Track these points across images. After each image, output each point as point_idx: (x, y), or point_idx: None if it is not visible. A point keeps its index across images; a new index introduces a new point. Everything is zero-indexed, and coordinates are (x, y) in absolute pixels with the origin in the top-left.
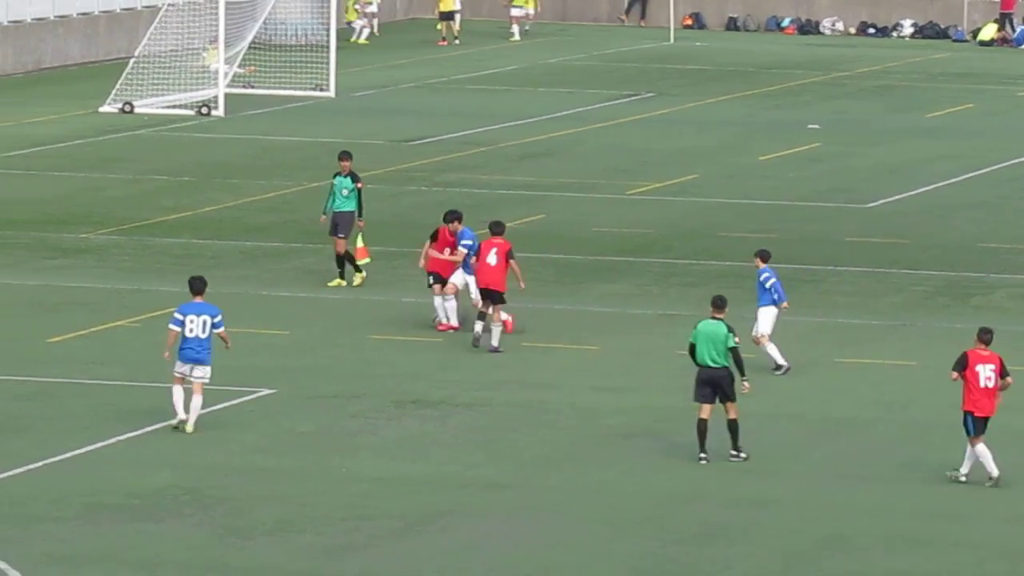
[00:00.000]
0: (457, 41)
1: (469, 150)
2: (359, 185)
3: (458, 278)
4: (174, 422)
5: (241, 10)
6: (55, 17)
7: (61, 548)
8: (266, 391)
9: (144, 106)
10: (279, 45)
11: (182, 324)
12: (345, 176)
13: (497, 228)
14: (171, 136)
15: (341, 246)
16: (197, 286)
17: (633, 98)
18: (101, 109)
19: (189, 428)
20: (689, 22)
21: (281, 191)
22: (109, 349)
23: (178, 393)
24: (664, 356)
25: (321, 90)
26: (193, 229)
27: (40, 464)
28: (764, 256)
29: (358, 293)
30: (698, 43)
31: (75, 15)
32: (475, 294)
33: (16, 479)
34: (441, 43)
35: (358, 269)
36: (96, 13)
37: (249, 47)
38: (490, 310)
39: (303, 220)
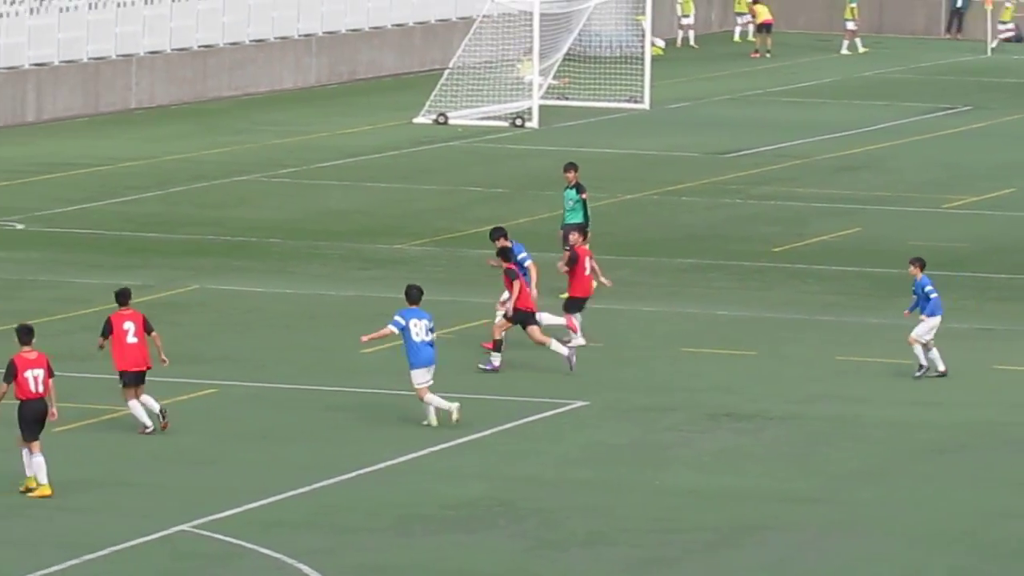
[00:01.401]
0: (768, 55)
1: (784, 163)
2: (583, 196)
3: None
4: (435, 423)
5: (556, 22)
6: (370, 28)
7: (374, 559)
8: (580, 403)
9: (458, 117)
10: (593, 57)
11: (406, 328)
12: (571, 187)
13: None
14: (485, 147)
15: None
16: (414, 295)
17: (950, 111)
18: (415, 120)
19: (456, 416)
20: (1008, 35)
21: (595, 203)
22: None
23: (433, 399)
24: (979, 371)
25: (635, 102)
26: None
27: (354, 475)
28: (922, 264)
29: (671, 306)
30: (1016, 56)
31: (390, 26)
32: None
33: (330, 489)
34: (754, 55)
35: None
36: (411, 24)
37: (564, 59)
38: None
39: (616, 232)
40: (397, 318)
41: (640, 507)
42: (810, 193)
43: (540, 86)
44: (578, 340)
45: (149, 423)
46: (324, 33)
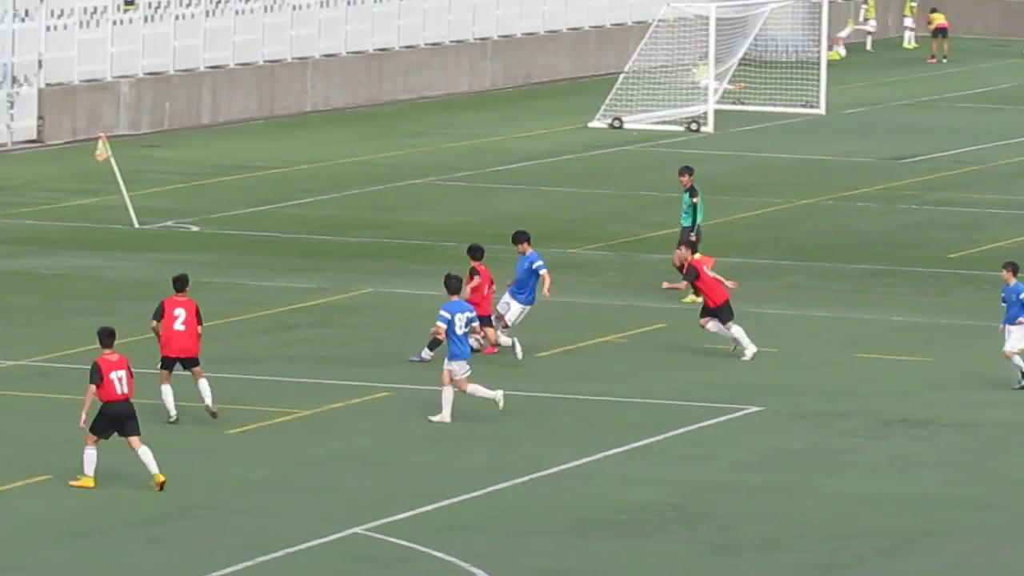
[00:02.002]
0: (945, 60)
1: (960, 168)
2: (694, 200)
3: (515, 309)
4: (448, 419)
5: (732, 26)
6: (545, 32)
7: (546, 563)
8: (754, 408)
9: (633, 121)
10: (769, 61)
11: (450, 322)
12: (685, 191)
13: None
14: (660, 152)
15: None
16: (454, 285)
17: None
18: (590, 124)
19: (501, 404)
20: None
21: (770, 208)
22: (595, 364)
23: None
24: None
25: (811, 107)
26: None
27: (528, 478)
28: (1015, 269)
29: (845, 311)
30: None
31: (565, 30)
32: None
33: (505, 492)
34: (930, 60)
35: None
36: (586, 28)
37: (739, 63)
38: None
39: (791, 237)
40: (443, 313)
41: (813, 513)
42: (986, 199)
43: (716, 90)
44: (751, 349)
45: (174, 412)
46: (499, 37)
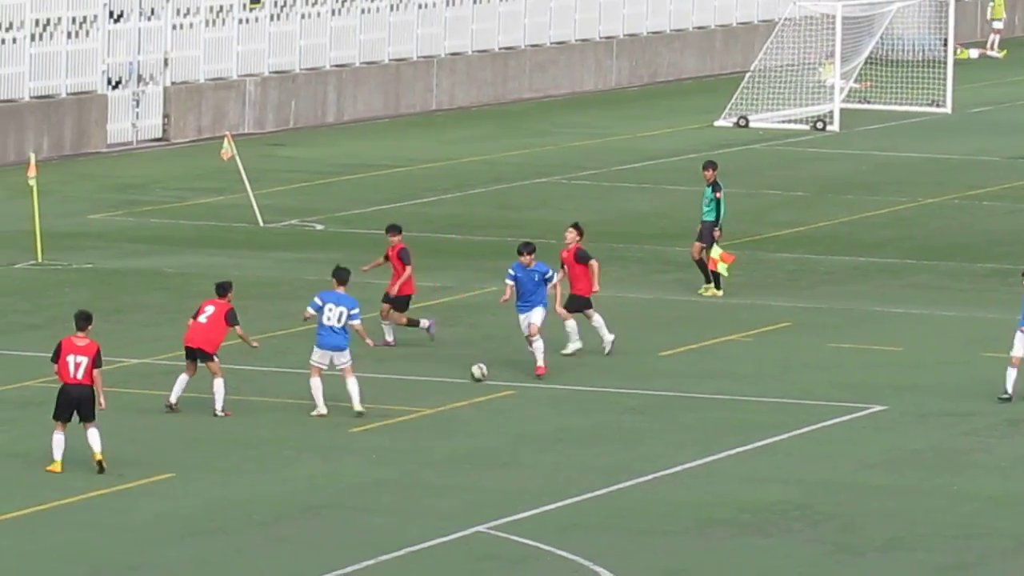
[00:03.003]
0: None
1: None
2: (718, 195)
3: (538, 316)
4: (314, 413)
5: (858, 25)
6: (671, 31)
7: (670, 562)
8: (878, 407)
9: (759, 120)
10: (895, 60)
11: (321, 309)
12: (708, 185)
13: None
14: (785, 151)
15: (696, 250)
16: (342, 276)
17: None
18: (716, 123)
19: (358, 408)
20: None
21: (896, 207)
22: (720, 363)
23: (318, 385)
24: None
25: (937, 106)
26: (806, 244)
27: (651, 477)
28: None
29: (971, 311)
30: None
31: (691, 29)
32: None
33: (628, 491)
34: None
35: (707, 280)
36: (712, 27)
37: (865, 62)
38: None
39: (916, 236)
40: (316, 300)
41: (938, 512)
42: None
43: (842, 90)
44: (574, 344)
45: (174, 400)
46: (625, 35)
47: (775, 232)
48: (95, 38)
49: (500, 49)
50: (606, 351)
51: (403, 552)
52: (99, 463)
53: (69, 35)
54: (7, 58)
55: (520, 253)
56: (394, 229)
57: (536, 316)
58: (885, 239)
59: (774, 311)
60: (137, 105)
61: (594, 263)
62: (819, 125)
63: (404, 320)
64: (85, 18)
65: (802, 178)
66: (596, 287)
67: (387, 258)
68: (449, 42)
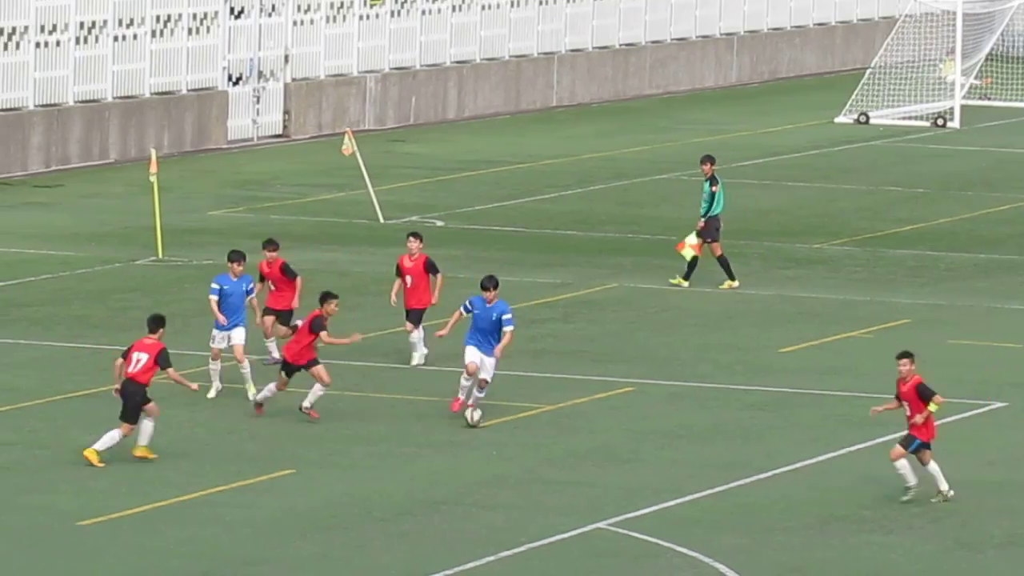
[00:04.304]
0: None
1: None
2: (714, 189)
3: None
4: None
5: (979, 21)
6: (791, 27)
7: (791, 558)
8: (998, 404)
9: (879, 117)
10: (1016, 57)
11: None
12: (706, 180)
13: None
14: (906, 147)
15: (716, 248)
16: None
17: None
18: (836, 119)
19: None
20: None
21: (1016, 204)
22: (840, 360)
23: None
24: None
25: None
26: (927, 241)
27: (771, 473)
28: None
29: None
30: None
31: (811, 25)
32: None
33: (748, 488)
34: None
35: (730, 276)
36: (833, 24)
37: (986, 58)
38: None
39: None
40: (215, 285)
41: None
42: None
43: (962, 86)
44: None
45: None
46: (746, 32)
47: (896, 228)
48: (216, 34)
49: (620, 45)
50: (413, 363)
51: (523, 548)
52: (140, 456)
53: (190, 31)
54: (128, 55)
55: (484, 288)
56: (271, 244)
57: (488, 363)
58: (1005, 235)
59: (894, 308)
60: (258, 101)
61: (440, 276)
62: (940, 122)
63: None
64: (206, 14)
65: (923, 174)
66: (435, 299)
67: (263, 276)
68: (570, 38)
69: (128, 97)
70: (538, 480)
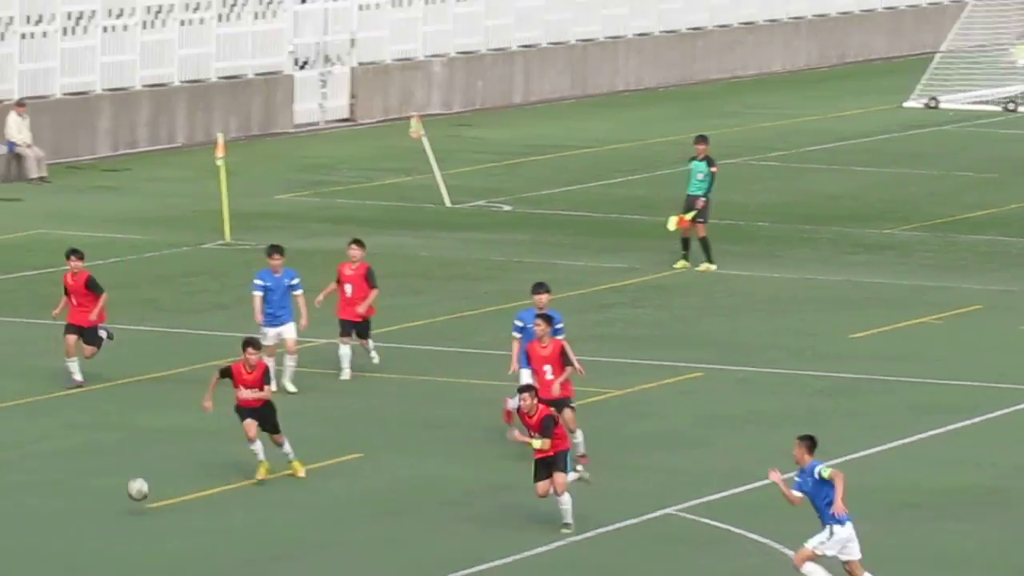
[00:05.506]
0: None
1: None
2: (714, 170)
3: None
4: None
5: None
6: (860, 11)
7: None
8: None
9: (949, 101)
10: None
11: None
12: (700, 160)
13: None
14: (976, 132)
15: (701, 230)
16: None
17: None
18: (905, 104)
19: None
20: None
21: None
22: (910, 346)
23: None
24: None
25: None
26: (999, 226)
27: (841, 460)
28: None
29: None
30: None
31: (880, 9)
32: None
33: None
34: None
35: (709, 257)
36: (902, 8)
37: None
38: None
39: None
40: (257, 281)
41: None
42: None
43: None
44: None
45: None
46: (814, 16)
47: (967, 214)
48: (282, 19)
49: (687, 30)
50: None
51: (593, 533)
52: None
53: (256, 16)
54: (195, 39)
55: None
56: (76, 254)
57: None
58: None
59: (965, 293)
60: (324, 86)
61: (375, 292)
62: (1010, 106)
63: (91, 352)
64: None
65: (994, 159)
66: (363, 310)
67: (67, 289)
68: (636, 22)
69: (195, 81)
70: (608, 465)
